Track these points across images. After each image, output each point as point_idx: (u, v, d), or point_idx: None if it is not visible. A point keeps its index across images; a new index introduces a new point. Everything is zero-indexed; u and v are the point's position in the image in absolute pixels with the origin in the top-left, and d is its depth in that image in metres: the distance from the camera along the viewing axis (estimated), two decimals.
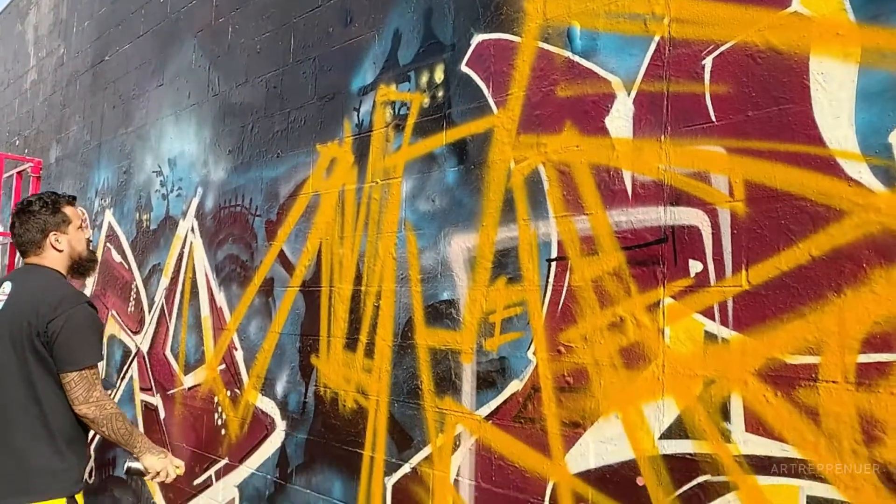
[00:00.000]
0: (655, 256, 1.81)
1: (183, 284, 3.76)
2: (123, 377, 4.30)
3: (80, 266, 2.48)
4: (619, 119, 1.91)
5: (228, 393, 3.33)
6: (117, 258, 4.47)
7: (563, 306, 2.01)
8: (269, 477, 3.04)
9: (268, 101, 3.27)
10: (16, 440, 2.21)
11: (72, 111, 5.31)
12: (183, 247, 3.80)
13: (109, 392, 4.34)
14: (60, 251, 2.40)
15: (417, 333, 2.43)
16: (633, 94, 1.89)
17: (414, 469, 2.39)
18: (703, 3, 1.76)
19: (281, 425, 2.99)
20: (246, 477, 3.17)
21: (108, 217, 4.62)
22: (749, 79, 1.67)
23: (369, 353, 2.61)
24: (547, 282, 2.05)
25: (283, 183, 3.12)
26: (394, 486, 2.46)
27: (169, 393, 3.79)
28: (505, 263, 2.17)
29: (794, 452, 1.53)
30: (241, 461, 3.21)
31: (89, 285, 4.77)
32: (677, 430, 1.73)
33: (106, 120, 4.78)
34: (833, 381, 1.49)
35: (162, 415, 3.84)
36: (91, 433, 2.41)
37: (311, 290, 2.91)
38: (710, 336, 1.69)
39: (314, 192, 2.94)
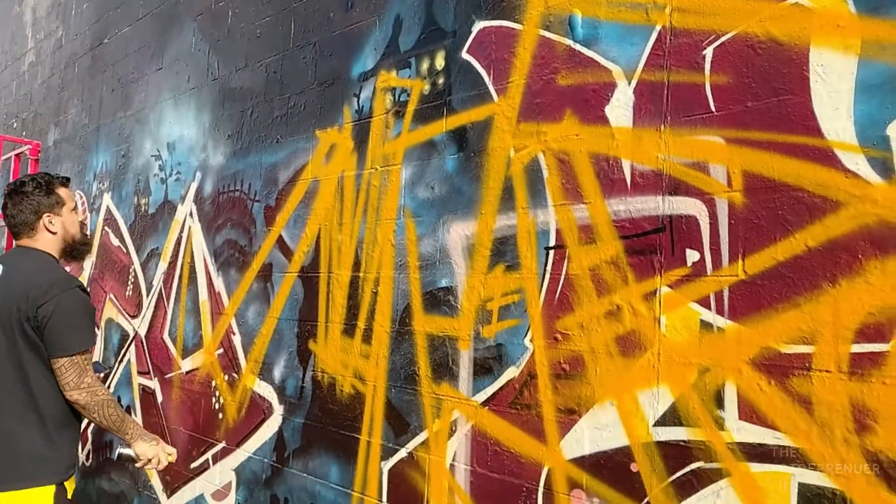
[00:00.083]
0: (653, 246, 1.83)
1: (181, 269, 3.77)
2: (121, 361, 4.32)
3: (74, 249, 2.43)
4: (620, 108, 1.92)
5: (226, 377, 3.34)
6: (115, 242, 4.48)
7: (560, 294, 2.02)
8: (265, 461, 3.06)
9: (267, 86, 3.26)
10: (5, 426, 2.18)
11: (70, 94, 5.28)
12: (181, 231, 3.80)
13: (103, 375, 4.35)
14: (54, 233, 2.35)
15: (415, 320, 2.45)
16: (634, 83, 1.89)
17: (410, 454, 2.41)
18: None
19: (278, 410, 3.01)
20: (243, 460, 3.19)
21: (107, 201, 4.61)
22: (749, 69, 1.67)
23: (367, 338, 2.63)
24: (545, 270, 2.07)
25: (283, 168, 3.12)
26: (390, 470, 2.48)
27: (167, 377, 3.80)
28: (503, 251, 2.18)
29: (787, 440, 1.55)
30: (238, 445, 3.23)
31: (87, 269, 4.77)
32: (671, 417, 1.75)
33: (104, 103, 4.76)
34: (826, 371, 1.51)
35: (160, 398, 3.85)
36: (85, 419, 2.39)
37: (309, 276, 2.92)
38: (705, 325, 1.71)
39: (313, 178, 2.95)
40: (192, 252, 3.69)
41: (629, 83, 1.90)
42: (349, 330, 2.71)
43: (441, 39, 2.45)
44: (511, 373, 2.13)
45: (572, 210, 2.01)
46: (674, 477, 1.73)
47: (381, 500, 2.50)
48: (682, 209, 1.77)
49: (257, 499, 3.09)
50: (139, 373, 4.10)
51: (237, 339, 3.29)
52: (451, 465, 2.27)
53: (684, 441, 1.72)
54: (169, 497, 3.69)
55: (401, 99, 2.59)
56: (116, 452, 2.36)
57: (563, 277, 2.02)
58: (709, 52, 1.75)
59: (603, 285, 1.92)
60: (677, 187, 1.79)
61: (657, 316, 1.80)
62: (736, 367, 1.64)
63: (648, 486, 1.78)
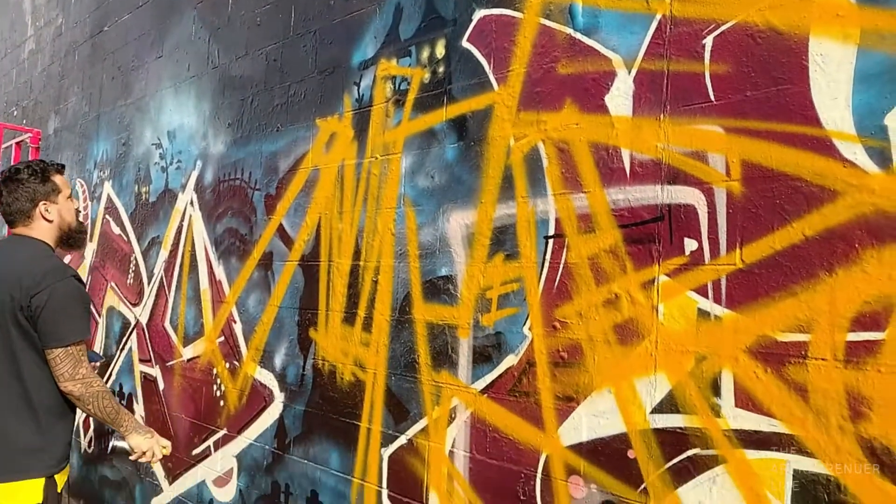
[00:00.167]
0: (651, 234, 1.83)
1: (182, 257, 3.78)
2: (122, 349, 4.34)
3: (70, 238, 2.39)
4: (619, 97, 1.92)
5: (227, 365, 3.36)
6: (116, 230, 4.49)
7: (559, 283, 2.03)
8: (267, 447, 3.08)
9: (268, 75, 3.26)
10: None
11: (70, 82, 5.28)
12: (182, 220, 3.81)
13: (99, 364, 4.37)
14: (50, 222, 2.30)
15: (415, 308, 2.46)
16: (634, 72, 1.90)
17: (410, 441, 2.43)
18: None
19: (279, 397, 3.03)
20: (244, 447, 3.22)
21: (107, 189, 4.62)
22: (749, 59, 1.68)
23: (367, 327, 2.64)
24: (544, 259, 2.08)
25: (283, 157, 3.13)
26: (390, 457, 2.50)
27: (168, 364, 3.82)
28: (503, 240, 2.19)
29: (783, 427, 1.57)
30: (239, 432, 3.25)
31: (88, 257, 4.79)
32: (668, 404, 1.77)
33: (105, 91, 4.76)
34: (822, 359, 1.52)
35: (161, 386, 3.88)
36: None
37: (309, 265, 2.93)
38: (703, 313, 1.72)
39: (313, 167, 2.95)
40: (193, 240, 3.70)
41: (629, 72, 1.91)
42: (349, 318, 2.72)
43: (441, 28, 2.45)
44: (510, 361, 2.14)
45: (572, 199, 2.02)
46: (670, 463, 1.75)
47: (381, 487, 2.52)
48: (681, 198, 1.78)
49: (258, 485, 3.12)
50: (141, 360, 4.13)
51: (238, 327, 3.31)
52: (451, 452, 2.29)
53: (681, 428, 1.74)
54: (171, 484, 3.72)
55: (401, 87, 2.59)
56: (110, 446, 2.33)
57: (561, 266, 2.03)
58: (708, 42, 1.75)
59: (601, 274, 1.93)
60: (676, 176, 1.79)
61: (655, 304, 1.81)
62: (733, 356, 1.66)
63: (645, 472, 1.80)
